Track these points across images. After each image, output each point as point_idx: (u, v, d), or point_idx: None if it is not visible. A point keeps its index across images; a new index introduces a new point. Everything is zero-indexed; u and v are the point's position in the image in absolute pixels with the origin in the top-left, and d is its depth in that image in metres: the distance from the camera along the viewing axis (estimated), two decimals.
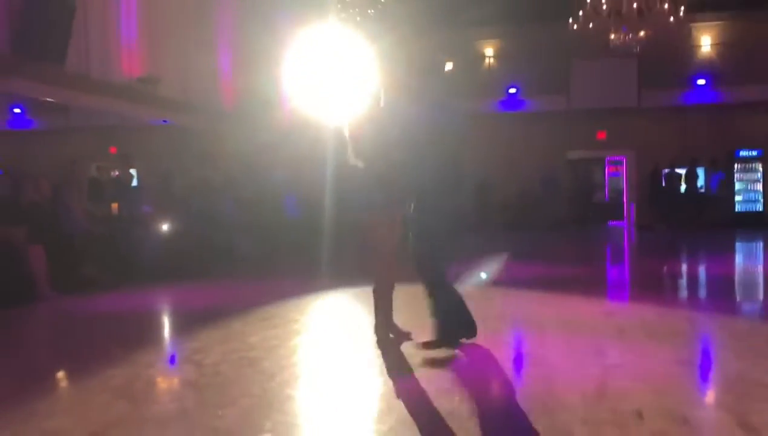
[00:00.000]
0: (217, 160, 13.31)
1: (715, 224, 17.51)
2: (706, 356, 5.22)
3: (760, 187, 18.52)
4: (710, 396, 4.13)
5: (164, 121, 14.01)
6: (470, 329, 4.98)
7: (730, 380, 4.28)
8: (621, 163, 20.27)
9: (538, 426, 3.45)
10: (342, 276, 8.95)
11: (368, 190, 4.93)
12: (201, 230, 10.27)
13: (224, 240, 10.45)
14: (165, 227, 9.90)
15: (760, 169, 18.52)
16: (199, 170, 12.35)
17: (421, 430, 3.47)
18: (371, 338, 5.22)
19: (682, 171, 18.46)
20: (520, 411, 3.75)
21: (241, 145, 14.00)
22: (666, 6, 13.70)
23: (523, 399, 3.95)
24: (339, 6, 10.95)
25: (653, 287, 8.85)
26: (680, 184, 18.49)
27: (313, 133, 11.49)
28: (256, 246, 10.88)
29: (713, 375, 4.60)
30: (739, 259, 12.55)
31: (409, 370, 4.54)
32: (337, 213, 11.12)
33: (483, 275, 4.72)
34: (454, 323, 4.92)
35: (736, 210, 18.55)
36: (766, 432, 3.29)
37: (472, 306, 5.03)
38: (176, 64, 12.40)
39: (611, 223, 19.73)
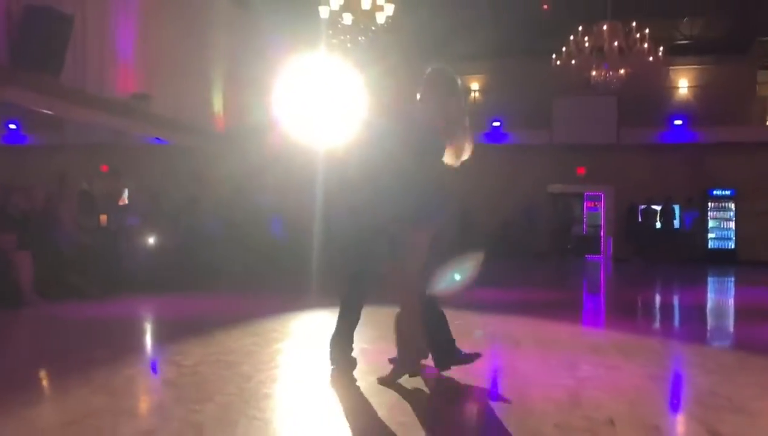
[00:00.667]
0: (206, 180, 13.36)
1: (689, 259, 17.80)
2: (676, 371, 5.33)
3: (732, 225, 18.90)
4: (680, 407, 4.22)
5: (157, 139, 14.06)
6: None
7: (700, 393, 4.38)
8: (599, 198, 20.57)
9: (511, 430, 3.51)
10: (327, 295, 9.04)
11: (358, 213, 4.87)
12: (187, 246, 10.36)
13: (210, 256, 10.53)
14: (151, 241, 9.99)
15: (733, 208, 18.90)
16: (188, 189, 12.41)
17: (395, 429, 3.51)
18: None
19: (657, 208, 18.80)
20: (495, 417, 3.80)
21: (230, 166, 14.08)
22: (646, 46, 14.05)
23: (497, 406, 4.01)
24: (330, 33, 11.11)
25: (627, 312, 9.02)
26: (656, 220, 18.82)
27: (302, 158, 11.64)
28: (240, 263, 10.94)
29: (683, 389, 4.71)
30: (709, 291, 12.75)
31: (388, 375, 4.58)
32: (325, 236, 11.21)
33: (456, 276, 4.65)
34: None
35: (709, 247, 18.90)
36: None
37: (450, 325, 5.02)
38: (169, 83, 12.48)
39: (589, 256, 19.95)
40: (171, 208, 11.66)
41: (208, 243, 10.92)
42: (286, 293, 9.86)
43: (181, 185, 13.03)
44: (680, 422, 3.87)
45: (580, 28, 14.38)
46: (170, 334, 6.53)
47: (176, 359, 5.08)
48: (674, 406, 4.26)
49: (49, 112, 11.23)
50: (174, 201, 11.98)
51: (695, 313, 9.22)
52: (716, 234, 19.06)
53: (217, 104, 14.66)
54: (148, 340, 6.74)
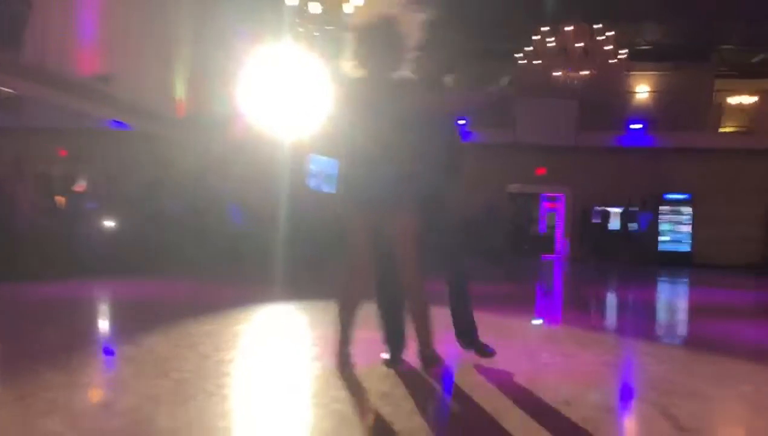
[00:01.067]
0: (167, 166, 13.19)
1: (643, 261, 18.10)
2: (631, 360, 5.42)
3: (686, 228, 19.30)
4: (635, 392, 4.30)
5: (118, 123, 13.82)
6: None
7: (653, 379, 4.47)
8: (557, 199, 20.83)
9: (470, 411, 3.53)
10: (289, 285, 9.08)
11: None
12: (147, 230, 10.26)
13: (170, 241, 10.43)
14: (110, 224, 9.88)
15: (688, 211, 19.32)
16: (148, 174, 12.23)
17: (353, 407, 3.51)
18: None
19: (613, 209, 19.12)
20: (453, 399, 3.83)
21: (192, 154, 13.92)
22: (609, 48, 14.29)
23: (455, 389, 4.03)
24: (297, 21, 11.05)
25: (582, 308, 9.16)
26: (611, 222, 19.14)
27: (267, 149, 11.56)
28: (201, 250, 10.85)
29: (637, 375, 4.80)
30: (661, 291, 13.01)
31: (348, 357, 4.57)
32: (291, 227, 11.16)
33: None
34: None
35: (661, 249, 19.29)
36: (687, 422, 3.43)
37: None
38: (132, 66, 12.28)
39: (545, 256, 20.18)
40: (131, 192, 11.52)
41: (168, 228, 10.79)
42: (247, 281, 9.83)
43: (141, 171, 12.85)
44: (635, 405, 3.94)
45: (546, 28, 14.54)
46: (128, 315, 6.50)
47: (134, 338, 5.01)
48: (629, 390, 4.34)
49: (7, 90, 10.98)
50: (134, 185, 11.84)
51: (648, 310, 9.41)
52: (669, 237, 19.47)
53: (180, 90, 14.49)
54: (105, 320, 6.67)
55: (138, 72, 12.68)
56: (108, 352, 4.90)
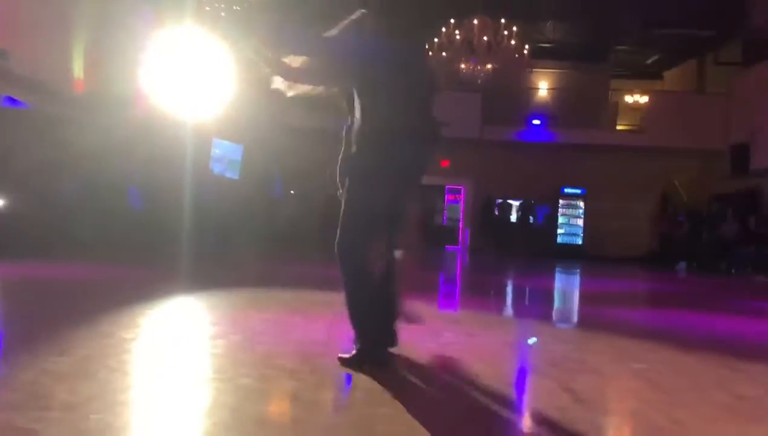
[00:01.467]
0: (63, 147, 12.62)
1: (540, 253, 18.71)
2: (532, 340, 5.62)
3: (580, 222, 20.08)
4: (536, 368, 4.45)
5: (10, 99, 13.07)
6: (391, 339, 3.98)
7: (554, 358, 4.63)
8: (460, 191, 21.22)
9: (375, 386, 3.54)
10: (189, 270, 8.93)
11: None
12: (41, 211, 9.82)
13: (65, 223, 10.02)
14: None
15: (582, 206, 20.10)
16: (44, 153, 11.67)
17: (257, 382, 3.48)
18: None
19: (513, 202, 19.68)
20: (360, 374, 3.85)
21: (90, 133, 13.34)
22: (513, 43, 14.64)
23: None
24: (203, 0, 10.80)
25: (483, 295, 9.39)
26: (511, 215, 19.70)
27: (170, 132, 11.23)
28: (98, 233, 10.47)
29: (539, 354, 4.96)
30: (557, 280, 13.48)
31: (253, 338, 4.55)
32: (193, 211, 10.90)
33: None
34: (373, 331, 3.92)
35: (558, 242, 20.00)
36: (585, 395, 3.59)
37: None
38: (28, 40, 11.65)
39: (447, 247, 20.54)
40: (23, 172, 10.97)
41: (63, 210, 10.36)
42: (147, 265, 9.60)
43: (36, 150, 12.23)
44: (537, 380, 4.08)
45: (452, 21, 14.75)
46: (22, 296, 6.15)
47: (30, 318, 4.81)
48: (531, 367, 4.49)
49: None
50: (27, 165, 11.27)
51: (546, 296, 9.75)
52: (565, 230, 20.21)
53: (79, 68, 13.90)
54: None
55: (35, 47, 12.08)
56: (1, 331, 4.68)
